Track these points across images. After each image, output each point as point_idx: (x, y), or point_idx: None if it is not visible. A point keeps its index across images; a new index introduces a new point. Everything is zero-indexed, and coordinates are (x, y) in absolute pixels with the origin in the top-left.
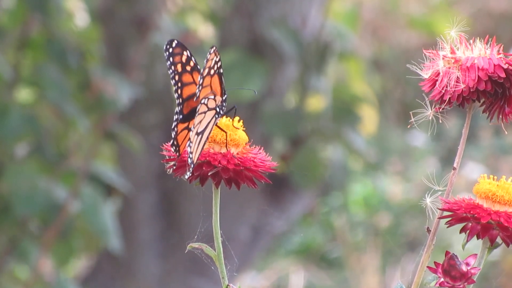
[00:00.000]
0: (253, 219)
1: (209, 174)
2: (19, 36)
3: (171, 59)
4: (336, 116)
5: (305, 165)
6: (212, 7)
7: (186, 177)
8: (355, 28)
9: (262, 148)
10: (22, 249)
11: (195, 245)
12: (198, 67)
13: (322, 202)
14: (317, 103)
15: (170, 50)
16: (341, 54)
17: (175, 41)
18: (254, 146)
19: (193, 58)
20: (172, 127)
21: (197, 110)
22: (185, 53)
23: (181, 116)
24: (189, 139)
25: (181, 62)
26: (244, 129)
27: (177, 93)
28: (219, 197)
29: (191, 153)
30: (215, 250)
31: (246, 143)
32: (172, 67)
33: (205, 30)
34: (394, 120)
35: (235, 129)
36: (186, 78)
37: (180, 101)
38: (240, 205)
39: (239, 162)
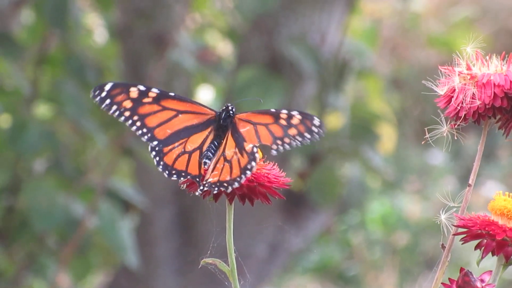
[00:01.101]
0: (270, 236)
1: (222, 190)
2: (37, 52)
3: (107, 100)
4: (354, 134)
5: (322, 182)
6: (231, 24)
7: (198, 193)
8: (374, 45)
9: (279, 164)
10: (40, 264)
11: (209, 260)
12: (170, 93)
13: (339, 220)
14: (335, 120)
15: (103, 94)
16: (360, 72)
17: (109, 84)
18: (270, 162)
19: (153, 89)
20: (155, 163)
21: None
22: (132, 89)
23: (156, 142)
24: (205, 158)
25: (128, 98)
26: (261, 145)
27: (136, 125)
28: (232, 213)
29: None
30: (229, 265)
31: (260, 159)
32: (114, 107)
33: (223, 47)
34: (413, 139)
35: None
36: (147, 109)
37: (145, 130)
38: (257, 222)
39: (252, 178)
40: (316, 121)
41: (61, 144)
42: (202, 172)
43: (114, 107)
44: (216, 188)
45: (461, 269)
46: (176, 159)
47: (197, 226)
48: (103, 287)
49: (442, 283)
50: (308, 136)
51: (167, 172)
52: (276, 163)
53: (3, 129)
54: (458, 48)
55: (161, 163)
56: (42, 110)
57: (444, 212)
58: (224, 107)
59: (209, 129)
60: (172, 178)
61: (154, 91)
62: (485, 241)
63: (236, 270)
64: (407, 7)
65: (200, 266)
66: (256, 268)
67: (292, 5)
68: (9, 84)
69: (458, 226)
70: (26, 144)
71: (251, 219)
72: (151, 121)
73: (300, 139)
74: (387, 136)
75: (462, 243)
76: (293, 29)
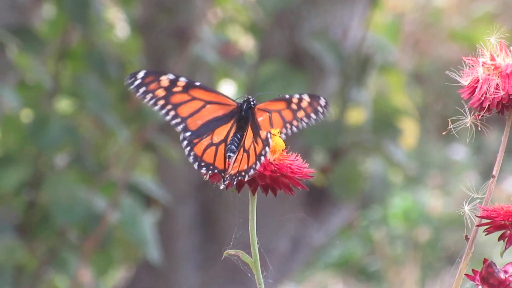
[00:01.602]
0: (292, 231)
1: (245, 180)
2: (59, 47)
3: (142, 89)
4: (376, 128)
5: (345, 177)
6: (253, 19)
7: (222, 185)
8: (396, 40)
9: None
10: (62, 259)
11: (232, 251)
12: (197, 83)
13: (361, 215)
14: (357, 115)
15: (137, 82)
16: (382, 67)
17: (142, 72)
18: (293, 153)
19: (181, 79)
20: (186, 153)
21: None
22: (163, 78)
23: (189, 133)
24: (230, 152)
25: (160, 87)
26: (283, 140)
27: (170, 114)
28: (255, 204)
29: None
30: (251, 257)
31: (283, 150)
32: (149, 95)
33: (245, 42)
34: (435, 134)
35: (272, 136)
36: (179, 98)
37: (179, 120)
38: (279, 217)
39: (275, 168)
40: (322, 101)
41: (83, 138)
42: (227, 166)
43: (149, 96)
44: (235, 179)
45: (485, 260)
46: (204, 150)
47: (219, 220)
48: (125, 282)
49: (465, 274)
50: (314, 116)
51: (197, 163)
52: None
53: (25, 123)
54: (480, 43)
55: (191, 153)
56: (63, 104)
57: (467, 203)
58: (245, 98)
59: (232, 121)
60: (202, 171)
61: (182, 80)
62: (509, 232)
63: (259, 262)
64: (429, 1)
65: (223, 257)
66: (278, 263)
67: (314, 0)
68: (30, 79)
69: (481, 217)
70: (47, 139)
71: (272, 214)
72: (183, 111)
73: (306, 120)
74: (409, 131)
75: (486, 234)
76: (315, 23)
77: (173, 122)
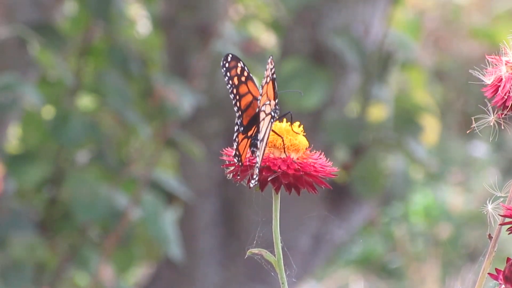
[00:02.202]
0: (313, 228)
1: (269, 179)
2: (81, 43)
3: (228, 73)
4: (397, 125)
5: (366, 174)
6: (275, 16)
7: (252, 185)
8: (417, 37)
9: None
10: (83, 256)
11: (255, 250)
12: (251, 75)
13: (382, 212)
14: (379, 112)
15: (227, 65)
16: (403, 64)
17: (230, 55)
18: (316, 152)
19: (246, 68)
20: (234, 137)
21: (259, 118)
22: (239, 64)
23: (242, 128)
24: (252, 143)
25: (236, 74)
26: (305, 137)
27: (237, 105)
28: (279, 203)
29: (257, 156)
30: (275, 256)
31: (306, 148)
32: (230, 82)
33: (267, 39)
34: (456, 130)
35: (295, 134)
36: (242, 89)
37: (240, 113)
38: (300, 214)
39: (299, 167)
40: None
41: (104, 135)
42: (243, 160)
43: (230, 83)
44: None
45: (508, 259)
46: (241, 140)
47: (240, 218)
48: (146, 279)
49: (489, 273)
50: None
51: (234, 151)
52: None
53: (46, 120)
54: (501, 40)
55: (236, 140)
56: (85, 101)
57: (490, 202)
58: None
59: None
60: (236, 160)
61: (246, 70)
62: None
63: (282, 260)
64: None
65: (246, 256)
66: (299, 260)
67: None
68: (52, 75)
69: (504, 216)
70: (69, 136)
71: (294, 211)
72: (243, 103)
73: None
74: (430, 128)
75: (509, 233)
76: (336, 20)
77: (237, 114)
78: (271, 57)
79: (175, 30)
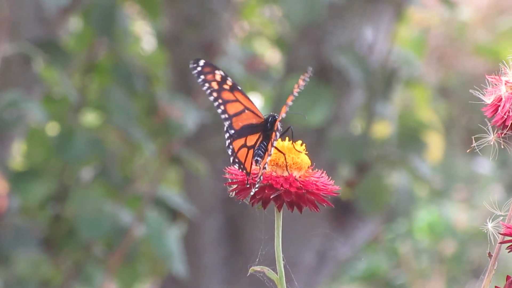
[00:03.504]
0: (317, 244)
1: (271, 197)
2: (85, 60)
3: (202, 76)
4: (402, 142)
5: (370, 191)
6: (279, 33)
7: (251, 194)
8: (421, 54)
9: (327, 173)
10: (87, 273)
11: (257, 268)
12: (239, 87)
13: (387, 229)
14: (383, 129)
15: (198, 68)
16: (408, 81)
17: (202, 61)
18: (318, 170)
19: (229, 78)
20: (227, 144)
21: (272, 136)
22: (217, 72)
23: (232, 131)
24: (255, 153)
25: (215, 80)
26: (309, 154)
27: (220, 108)
28: (281, 220)
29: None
30: (277, 273)
31: (308, 167)
32: (206, 84)
33: (272, 55)
34: (460, 147)
35: (297, 153)
36: (227, 95)
37: (227, 116)
38: (305, 231)
39: (301, 185)
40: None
41: (109, 152)
42: (249, 170)
43: (206, 85)
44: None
45: (508, 277)
46: (239, 149)
47: (245, 234)
48: None
49: None
50: None
51: (232, 157)
52: (325, 171)
53: (51, 137)
54: (505, 57)
55: (231, 147)
56: (89, 118)
57: (491, 220)
58: (270, 115)
59: (260, 132)
60: (234, 166)
61: (230, 80)
62: None
63: (284, 278)
64: (454, 16)
65: (248, 274)
66: (304, 277)
67: (340, 14)
68: (57, 92)
69: (504, 234)
70: (73, 152)
71: (298, 227)
72: (230, 109)
73: None
74: (435, 144)
75: (509, 252)
76: (341, 37)
77: (222, 116)
78: (310, 68)
79: (180, 47)
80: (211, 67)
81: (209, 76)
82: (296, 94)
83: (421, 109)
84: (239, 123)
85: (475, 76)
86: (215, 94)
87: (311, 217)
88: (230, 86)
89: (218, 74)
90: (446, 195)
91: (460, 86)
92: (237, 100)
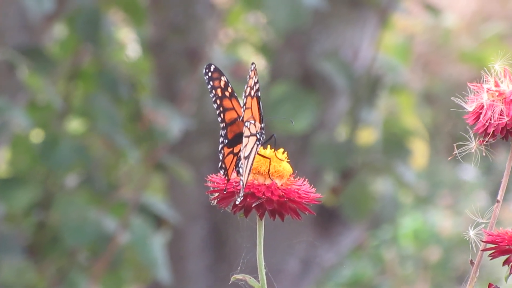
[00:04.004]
0: (302, 251)
1: (253, 205)
2: (70, 67)
3: (211, 83)
4: (386, 149)
5: (355, 198)
6: (264, 40)
7: (237, 201)
8: (406, 61)
9: (311, 179)
10: (71, 279)
11: (239, 276)
12: (235, 94)
13: (372, 235)
14: (367, 136)
15: (210, 74)
16: (392, 87)
17: (213, 66)
18: (303, 178)
19: (230, 84)
20: (219, 149)
21: (243, 133)
22: (222, 78)
23: (226, 141)
24: (237, 162)
25: (220, 87)
26: (294, 160)
27: (220, 117)
28: (263, 228)
29: (242, 175)
30: (259, 281)
31: (290, 175)
32: (213, 91)
33: (256, 62)
34: (445, 154)
35: (279, 161)
36: (226, 103)
37: (224, 125)
38: (289, 238)
39: (283, 193)
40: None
41: (93, 159)
42: (230, 175)
43: (213, 92)
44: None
45: (490, 285)
46: (227, 155)
47: (229, 241)
48: None
49: None
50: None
51: (220, 163)
52: (308, 178)
53: (35, 144)
54: (484, 68)
55: (221, 151)
56: (74, 125)
57: (473, 228)
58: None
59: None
60: (221, 172)
61: (230, 87)
62: None
63: (266, 286)
64: (439, 23)
65: (230, 282)
66: (288, 284)
67: (324, 21)
68: (41, 99)
69: (486, 242)
70: (57, 159)
71: (282, 235)
72: (227, 117)
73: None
74: (419, 151)
75: (491, 259)
76: (325, 44)
77: (221, 125)
78: (253, 65)
79: (164, 54)
80: (218, 73)
81: (216, 83)
82: (247, 94)
83: (405, 116)
84: (232, 132)
85: (459, 83)
86: (218, 102)
87: (295, 224)
88: (230, 93)
89: (223, 80)
90: (431, 202)
91: (444, 93)
92: (233, 108)
